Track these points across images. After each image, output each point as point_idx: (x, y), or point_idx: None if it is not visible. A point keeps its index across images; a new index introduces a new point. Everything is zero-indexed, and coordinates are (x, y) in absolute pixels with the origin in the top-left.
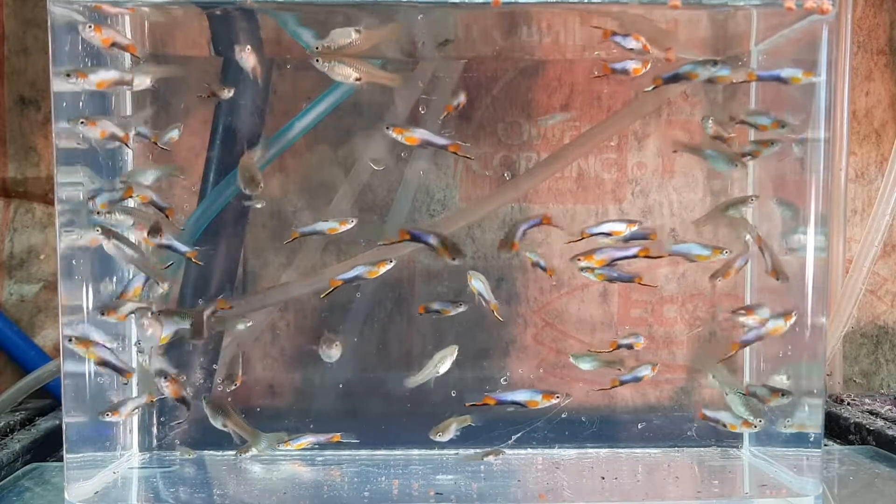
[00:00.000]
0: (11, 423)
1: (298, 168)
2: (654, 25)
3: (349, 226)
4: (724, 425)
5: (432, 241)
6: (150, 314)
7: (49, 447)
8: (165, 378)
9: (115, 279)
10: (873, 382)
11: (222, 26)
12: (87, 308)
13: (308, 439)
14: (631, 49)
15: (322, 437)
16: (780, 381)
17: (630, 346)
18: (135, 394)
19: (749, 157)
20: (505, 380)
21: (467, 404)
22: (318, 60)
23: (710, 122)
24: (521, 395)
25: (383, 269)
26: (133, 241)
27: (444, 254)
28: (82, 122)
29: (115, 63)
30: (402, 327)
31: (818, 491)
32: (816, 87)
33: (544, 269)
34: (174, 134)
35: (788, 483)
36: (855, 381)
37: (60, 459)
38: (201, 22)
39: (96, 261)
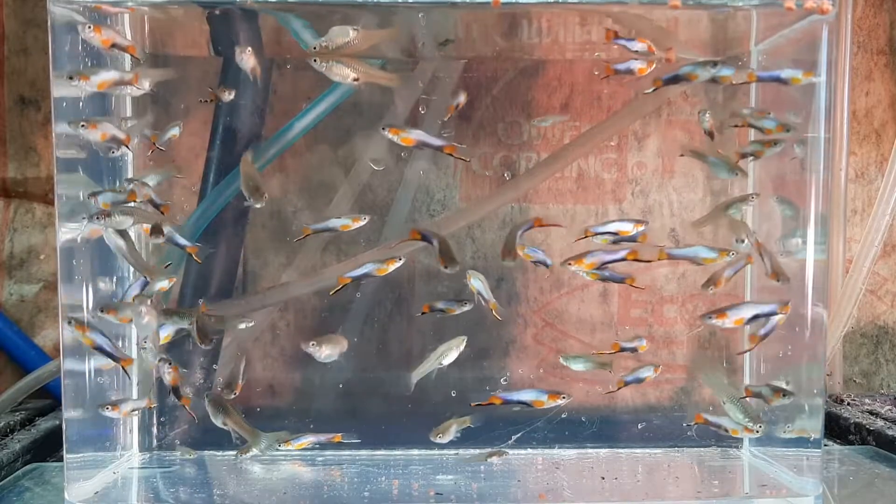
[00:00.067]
0: (11, 423)
1: (298, 168)
2: (654, 25)
3: (362, 223)
4: (726, 430)
5: (435, 244)
6: (147, 302)
7: (49, 447)
8: (169, 364)
9: (115, 279)
10: (873, 382)
11: (222, 26)
12: (87, 308)
13: (308, 439)
14: (635, 51)
15: (323, 437)
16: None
17: (634, 350)
18: (135, 395)
19: (752, 158)
20: (505, 380)
21: (473, 404)
22: (315, 60)
23: (707, 116)
24: (526, 395)
25: (392, 266)
26: (132, 239)
27: (439, 259)
28: (83, 125)
29: (114, 63)
30: (402, 327)
31: (818, 491)
32: (816, 88)
33: (546, 266)
34: (174, 131)
35: (788, 483)
36: (855, 381)
37: (60, 459)
38: (201, 22)
39: (96, 260)
